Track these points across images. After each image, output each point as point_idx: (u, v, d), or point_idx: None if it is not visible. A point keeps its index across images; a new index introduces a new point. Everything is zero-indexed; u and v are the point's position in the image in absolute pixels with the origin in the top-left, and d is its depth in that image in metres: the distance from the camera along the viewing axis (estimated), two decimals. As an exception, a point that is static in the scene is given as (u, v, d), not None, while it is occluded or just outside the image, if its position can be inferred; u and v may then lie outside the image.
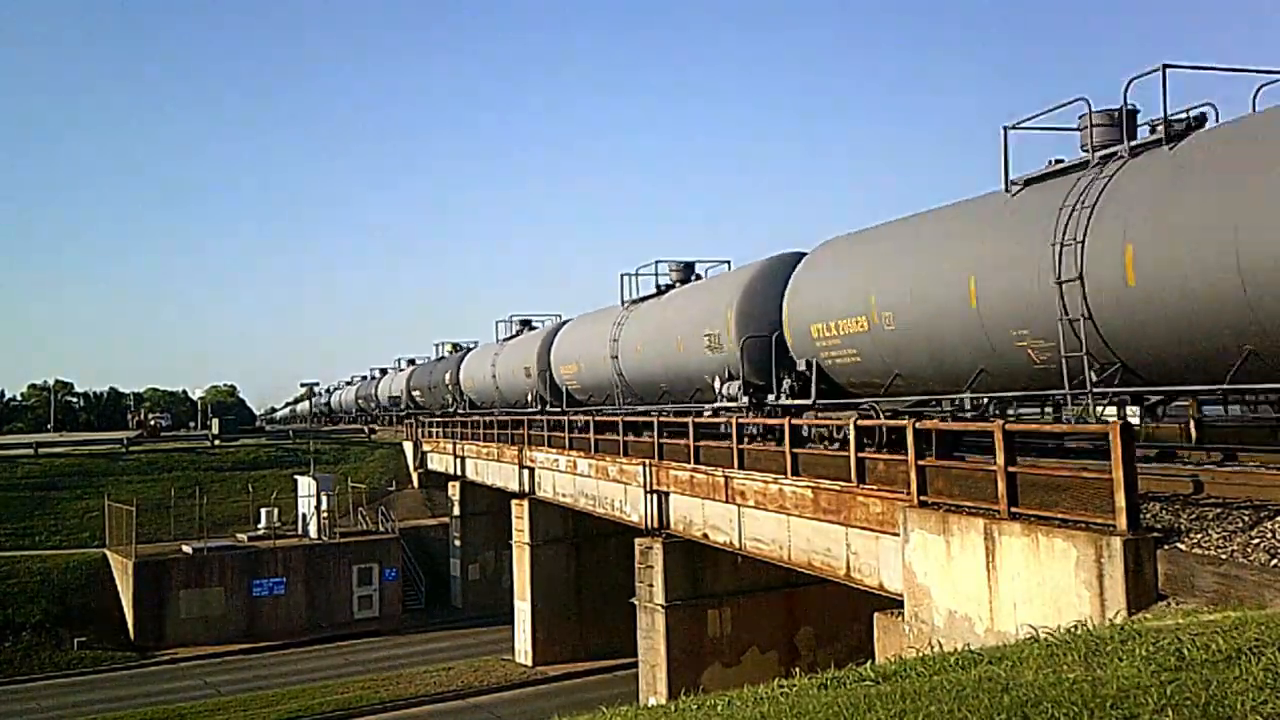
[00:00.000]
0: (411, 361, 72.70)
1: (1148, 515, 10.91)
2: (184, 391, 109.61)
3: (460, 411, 50.31)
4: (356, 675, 34.40)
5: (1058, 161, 14.30)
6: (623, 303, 31.04)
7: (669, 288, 29.30)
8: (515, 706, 30.49)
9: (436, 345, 62.94)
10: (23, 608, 37.98)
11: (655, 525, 23.61)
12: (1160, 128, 12.48)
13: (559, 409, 35.40)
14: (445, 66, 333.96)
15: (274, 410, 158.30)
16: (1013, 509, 11.44)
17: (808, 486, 16.98)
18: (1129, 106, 13.27)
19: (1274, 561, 9.18)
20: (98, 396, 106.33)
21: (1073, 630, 7.56)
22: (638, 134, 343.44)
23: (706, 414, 23.66)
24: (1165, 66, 12.29)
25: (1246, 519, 10.36)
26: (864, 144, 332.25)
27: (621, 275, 30.83)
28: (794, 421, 18.07)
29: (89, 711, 31.03)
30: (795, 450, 17.59)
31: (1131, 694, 5.36)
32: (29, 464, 50.59)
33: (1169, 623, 7.91)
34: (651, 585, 23.51)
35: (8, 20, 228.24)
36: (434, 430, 51.73)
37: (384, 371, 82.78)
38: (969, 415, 15.66)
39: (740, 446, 19.60)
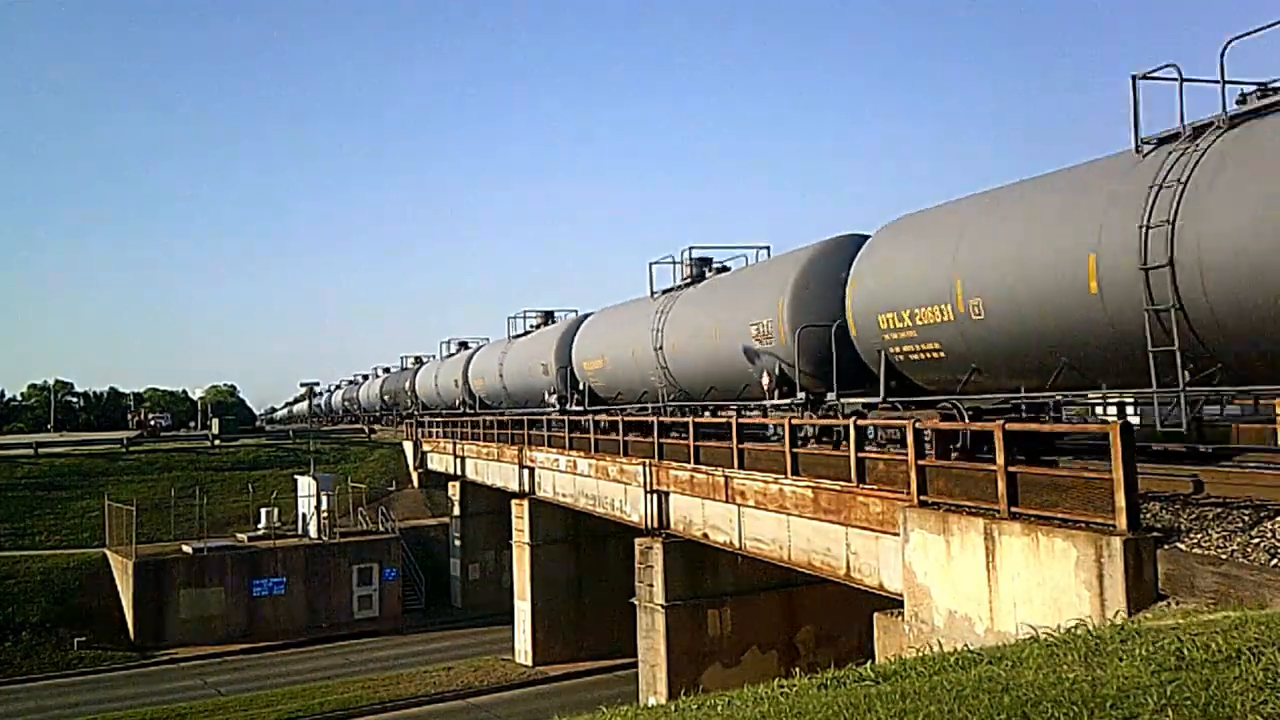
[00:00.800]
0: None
1: (1148, 515, 10.91)
2: (184, 391, 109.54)
3: (470, 412, 48.92)
4: (356, 675, 34.39)
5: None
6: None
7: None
8: (515, 706, 30.48)
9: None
10: (23, 608, 37.97)
11: (655, 525, 23.60)
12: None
13: (580, 409, 32.88)
14: (446, 66, 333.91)
15: (274, 410, 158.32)
16: (1013, 509, 11.44)
17: (808, 486, 16.97)
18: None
19: (1274, 561, 9.17)
20: (98, 396, 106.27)
21: (1073, 630, 7.56)
22: (646, 133, 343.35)
23: (754, 414, 22.23)
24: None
25: (1246, 519, 10.36)
26: (865, 142, 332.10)
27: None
28: (860, 423, 16.31)
29: (89, 711, 31.02)
30: (795, 450, 17.57)
31: (1131, 694, 5.36)
32: (29, 464, 50.59)
33: (1169, 623, 7.91)
34: (651, 585, 23.50)
35: (8, 20, 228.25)
36: (434, 430, 51.73)
37: (387, 370, 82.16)
38: (1053, 416, 14.65)
39: (740, 446, 19.59)
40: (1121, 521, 10.08)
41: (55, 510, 46.41)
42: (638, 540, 24.15)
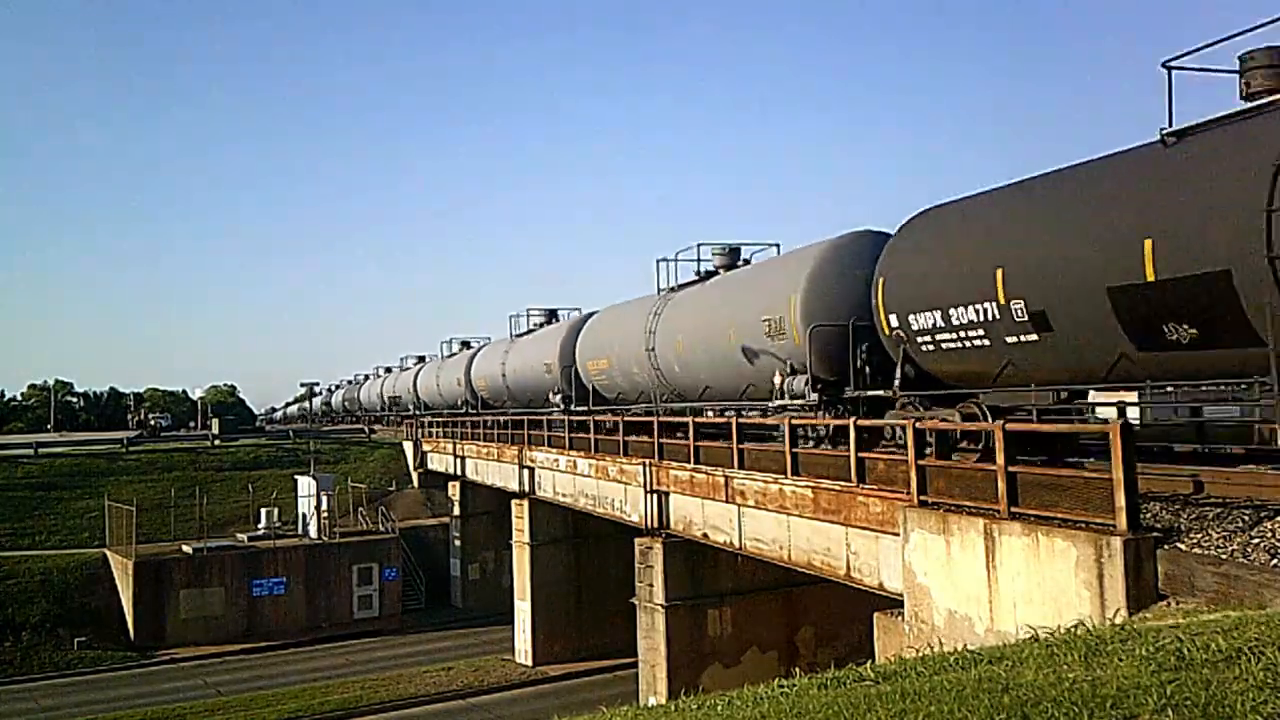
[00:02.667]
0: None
1: (1148, 515, 10.91)
2: (184, 391, 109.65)
3: (472, 412, 48.99)
4: (356, 675, 34.40)
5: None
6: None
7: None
8: (515, 706, 30.49)
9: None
10: (23, 608, 37.96)
11: (655, 525, 23.60)
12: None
13: (584, 409, 32.45)
14: (445, 66, 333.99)
15: (274, 410, 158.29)
16: (1013, 509, 11.44)
17: (808, 486, 16.98)
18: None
19: (1274, 561, 9.18)
20: (98, 396, 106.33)
21: (1073, 630, 7.56)
22: (650, 131, 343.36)
23: (754, 415, 22.22)
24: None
25: (1246, 519, 10.36)
26: (871, 143, 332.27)
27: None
28: (875, 422, 16.32)
29: (89, 711, 31.03)
30: (795, 450, 17.58)
31: (1131, 694, 5.36)
32: (29, 464, 50.59)
33: (1169, 623, 7.91)
34: (651, 585, 23.51)
35: (7, 19, 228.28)
36: (434, 430, 51.76)
37: (389, 370, 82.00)
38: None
39: (740, 446, 19.58)
40: (1121, 521, 10.08)
41: (55, 510, 46.41)
42: (638, 540, 24.16)
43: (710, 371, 23.92)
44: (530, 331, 43.56)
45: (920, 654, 8.76)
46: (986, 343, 14.69)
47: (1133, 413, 14.03)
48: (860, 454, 15.55)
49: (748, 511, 19.42)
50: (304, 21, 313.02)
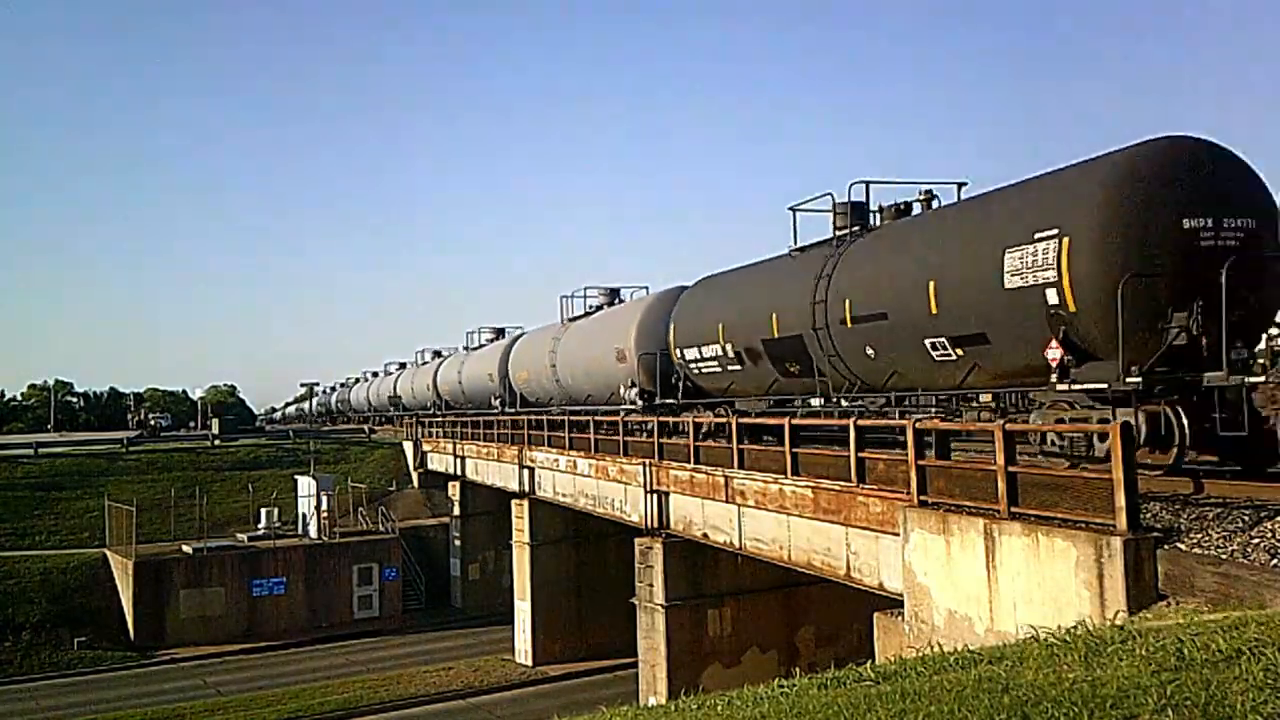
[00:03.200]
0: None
1: (1148, 515, 10.91)
2: (184, 391, 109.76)
3: (438, 413, 53.80)
4: (356, 675, 34.39)
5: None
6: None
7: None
8: (515, 706, 30.48)
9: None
10: (23, 608, 37.95)
11: (655, 525, 23.60)
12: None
13: (514, 409, 41.49)
14: (446, 65, 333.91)
15: (274, 410, 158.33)
16: (1013, 509, 11.44)
17: (808, 486, 16.98)
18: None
19: (1274, 561, 9.18)
20: (98, 396, 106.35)
21: (1073, 630, 7.56)
22: (652, 130, 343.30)
23: (606, 413, 28.90)
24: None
25: (1246, 519, 10.36)
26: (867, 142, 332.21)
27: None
28: (669, 419, 24.42)
29: (89, 711, 31.02)
30: (795, 450, 17.58)
31: (1131, 694, 5.36)
32: (29, 464, 50.58)
33: (1169, 623, 7.91)
34: (651, 585, 23.51)
35: (7, 19, 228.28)
36: (434, 430, 51.74)
37: (376, 374, 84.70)
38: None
39: (740, 446, 19.59)
40: (1121, 521, 10.08)
41: (55, 510, 46.40)
42: (638, 540, 24.16)
43: (590, 383, 32.70)
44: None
45: (920, 654, 8.76)
46: (718, 369, 23.76)
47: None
48: (860, 454, 15.56)
49: (748, 511, 19.42)
50: (304, 20, 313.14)
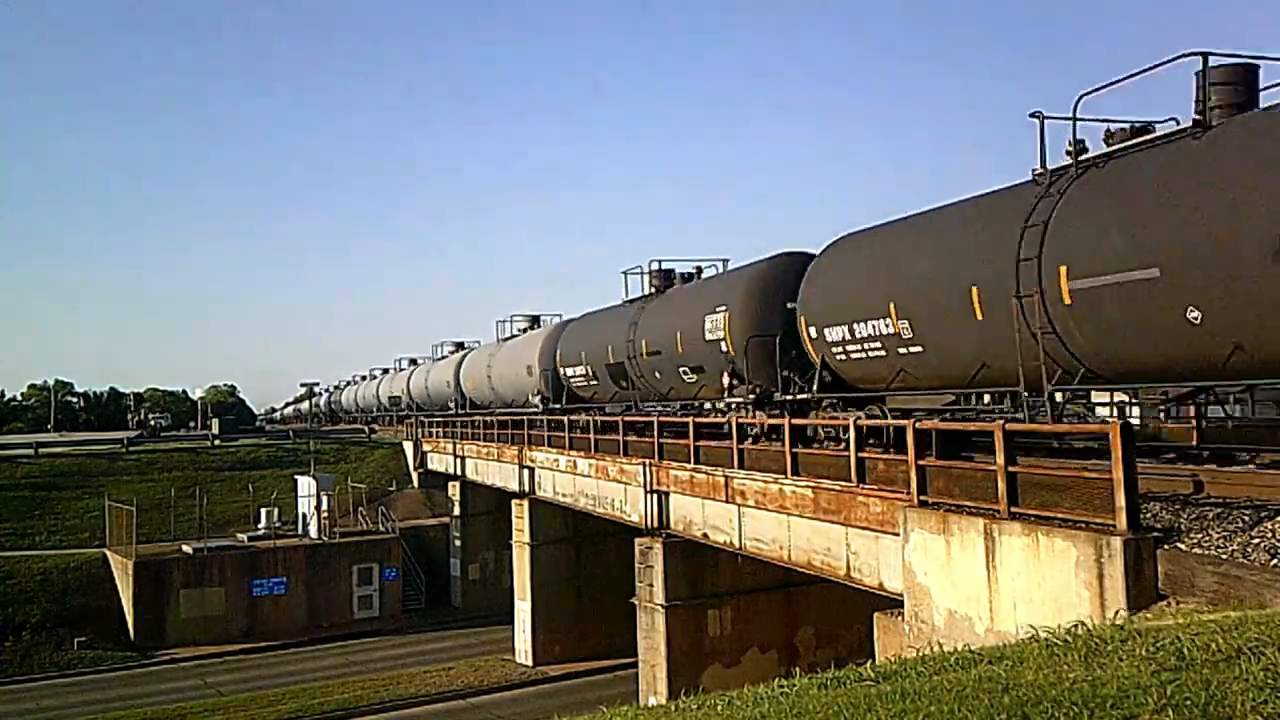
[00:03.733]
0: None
1: (1148, 515, 10.91)
2: (184, 391, 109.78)
3: (461, 411, 50.82)
4: (356, 675, 34.40)
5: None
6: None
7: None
8: (515, 706, 30.49)
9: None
10: (23, 608, 37.97)
11: (655, 525, 23.60)
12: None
13: (560, 407, 35.76)
14: (445, 65, 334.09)
15: (274, 410, 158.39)
16: (1013, 509, 11.44)
17: (808, 486, 16.98)
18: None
19: (1274, 561, 9.18)
20: (98, 396, 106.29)
21: (1073, 630, 7.56)
22: (642, 134, 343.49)
23: (711, 412, 25.73)
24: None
25: (1246, 519, 10.36)
26: (863, 143, 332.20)
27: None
28: (796, 421, 18.26)
29: (89, 711, 31.03)
30: (795, 450, 17.58)
31: (1131, 694, 5.36)
32: (29, 464, 50.60)
33: (1169, 623, 7.91)
34: (651, 585, 23.51)
35: (7, 19, 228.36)
36: (434, 430, 51.74)
37: (385, 371, 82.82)
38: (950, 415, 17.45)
39: (740, 446, 19.60)
40: (1121, 521, 10.08)
41: (55, 510, 46.42)
42: (638, 540, 24.16)
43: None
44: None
45: (920, 654, 8.77)
46: (585, 383, 25.87)
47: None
48: (860, 454, 15.57)
49: (748, 511, 19.42)
50: (305, 20, 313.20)
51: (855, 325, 17.48)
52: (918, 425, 13.57)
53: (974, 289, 14.39)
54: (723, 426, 21.63)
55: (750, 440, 20.33)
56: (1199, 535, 10.24)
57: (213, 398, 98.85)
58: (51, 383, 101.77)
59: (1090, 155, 13.10)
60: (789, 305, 20.42)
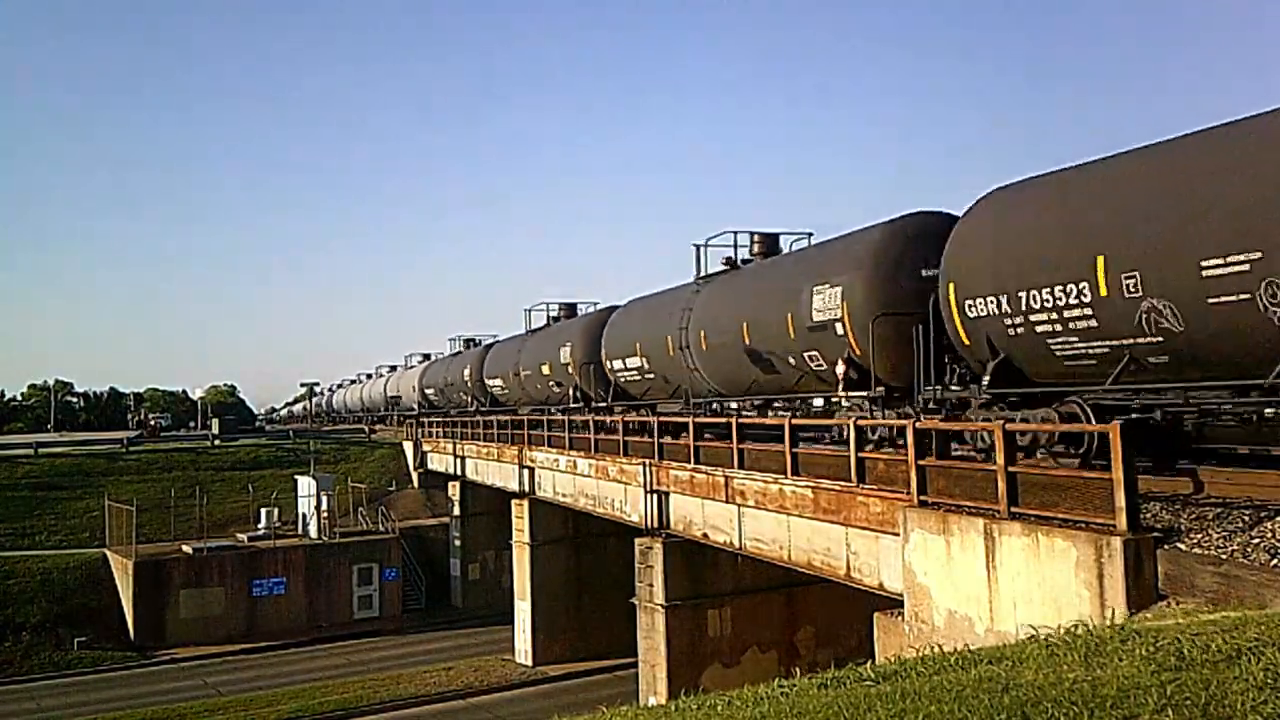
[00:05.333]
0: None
1: (1148, 515, 10.91)
2: (184, 391, 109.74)
3: (423, 411, 50.65)
4: (356, 675, 34.38)
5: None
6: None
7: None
8: (515, 706, 30.48)
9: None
10: (23, 608, 37.95)
11: (655, 525, 23.60)
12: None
13: (605, 404, 31.22)
14: (445, 66, 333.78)
15: (274, 410, 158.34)
16: (1013, 509, 11.44)
17: (808, 486, 16.97)
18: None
19: (1274, 561, 9.17)
20: (98, 396, 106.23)
21: (1073, 630, 7.56)
22: (649, 129, 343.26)
23: (555, 412, 27.21)
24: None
25: (1246, 519, 10.36)
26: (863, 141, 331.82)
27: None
28: (609, 418, 20.78)
29: (89, 711, 31.01)
30: (795, 450, 17.58)
31: (1131, 694, 5.36)
32: (29, 464, 50.56)
33: (1169, 623, 7.91)
34: (651, 585, 23.50)
35: (7, 19, 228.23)
36: (434, 430, 51.71)
37: (393, 369, 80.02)
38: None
39: (740, 446, 19.59)
40: (1121, 521, 10.08)
41: (55, 510, 46.39)
42: (638, 540, 24.15)
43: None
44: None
45: (920, 654, 8.76)
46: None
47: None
48: (860, 454, 15.56)
49: (748, 511, 19.42)
50: (306, 19, 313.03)
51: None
52: (917, 425, 13.56)
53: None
54: (833, 431, 18.23)
55: (872, 447, 16.42)
56: (1199, 535, 10.23)
57: (213, 398, 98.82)
58: (51, 383, 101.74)
59: None
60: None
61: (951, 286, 14.32)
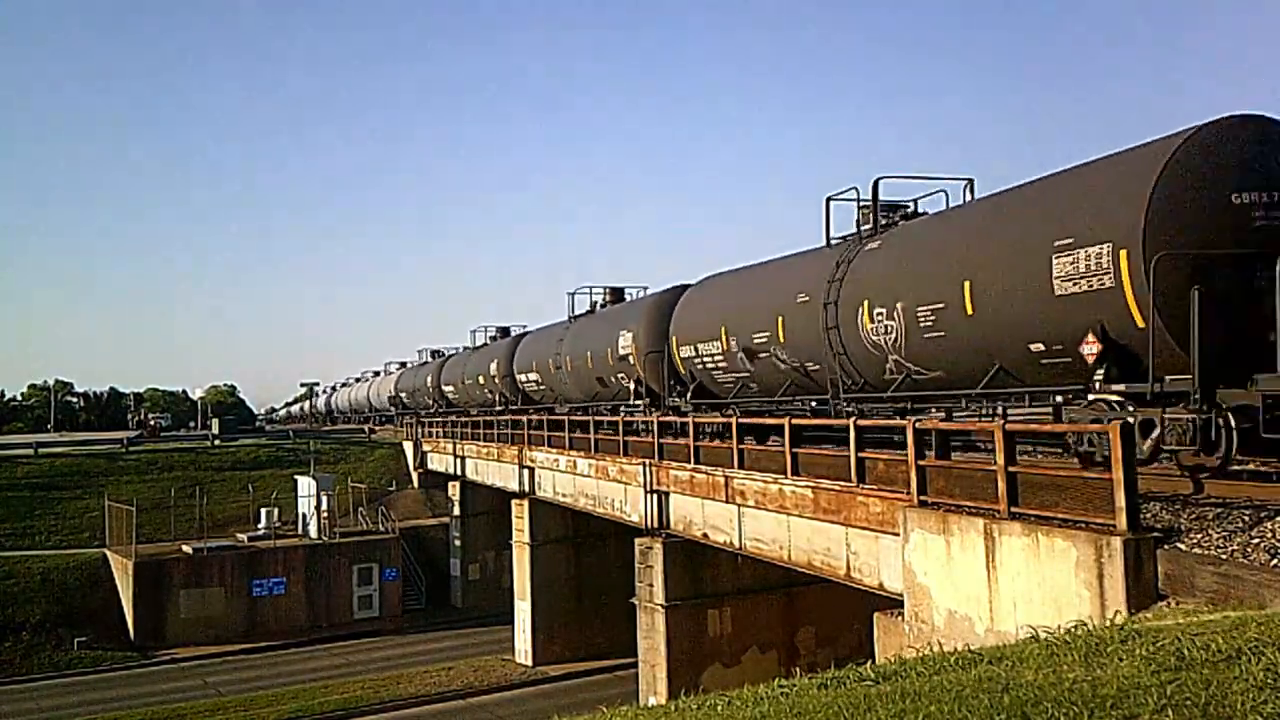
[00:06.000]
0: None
1: (1148, 515, 10.90)
2: (184, 391, 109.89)
3: (439, 411, 52.50)
4: (356, 675, 34.39)
5: None
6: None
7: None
8: (515, 706, 30.48)
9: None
10: (23, 608, 37.95)
11: (655, 525, 23.60)
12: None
13: (517, 407, 40.93)
14: (445, 64, 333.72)
15: (274, 410, 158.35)
16: (1013, 509, 11.43)
17: (808, 486, 16.98)
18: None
19: (1274, 561, 9.17)
20: (98, 396, 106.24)
21: (1073, 630, 7.56)
22: (633, 138, 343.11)
23: (622, 413, 28.75)
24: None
25: (1246, 519, 10.35)
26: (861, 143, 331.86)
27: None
28: (678, 419, 23.45)
29: (89, 711, 31.02)
30: (795, 450, 17.57)
31: (1131, 694, 5.36)
32: (29, 464, 50.57)
33: (1169, 623, 7.91)
34: (651, 585, 23.50)
35: (7, 19, 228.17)
36: (434, 430, 51.71)
37: (376, 374, 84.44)
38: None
39: (740, 446, 19.59)
40: (1121, 521, 10.08)
41: (55, 510, 46.39)
42: (638, 540, 24.16)
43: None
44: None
45: (920, 654, 8.76)
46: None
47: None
48: (860, 454, 15.55)
49: (748, 511, 19.42)
50: (305, 20, 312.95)
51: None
52: (917, 425, 13.56)
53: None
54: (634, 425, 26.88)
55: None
56: (1199, 535, 10.23)
57: (213, 398, 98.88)
58: (51, 383, 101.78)
59: None
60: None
61: (673, 339, 27.08)
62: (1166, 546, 10.09)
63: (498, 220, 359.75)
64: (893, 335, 16.60)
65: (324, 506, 43.58)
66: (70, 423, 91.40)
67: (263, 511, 44.46)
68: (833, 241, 19.61)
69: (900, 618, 13.71)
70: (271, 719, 29.77)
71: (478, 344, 50.65)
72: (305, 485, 45.75)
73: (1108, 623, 8.53)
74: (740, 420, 20.55)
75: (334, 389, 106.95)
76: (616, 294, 35.44)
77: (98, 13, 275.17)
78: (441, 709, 30.65)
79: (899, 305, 16.28)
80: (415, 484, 52.38)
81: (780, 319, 20.27)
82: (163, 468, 51.87)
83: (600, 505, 28.35)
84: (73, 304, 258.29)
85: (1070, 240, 12.52)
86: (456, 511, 45.67)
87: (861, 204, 19.02)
